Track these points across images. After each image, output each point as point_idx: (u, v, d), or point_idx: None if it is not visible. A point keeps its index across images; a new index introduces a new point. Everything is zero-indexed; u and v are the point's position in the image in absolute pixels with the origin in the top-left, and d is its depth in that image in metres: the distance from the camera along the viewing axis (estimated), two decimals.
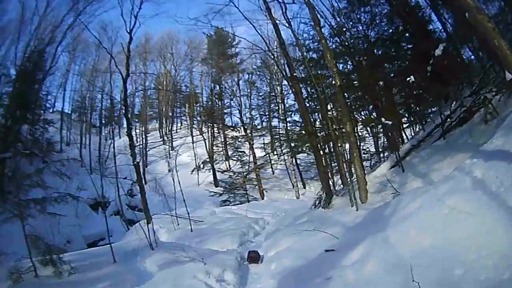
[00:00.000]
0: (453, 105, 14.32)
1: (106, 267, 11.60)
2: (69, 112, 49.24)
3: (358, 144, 18.65)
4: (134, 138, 44.86)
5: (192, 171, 40.51)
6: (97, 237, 27.94)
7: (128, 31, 22.74)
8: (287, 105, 38.16)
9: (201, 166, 40.07)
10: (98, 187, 29.97)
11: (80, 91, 48.83)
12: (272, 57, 24.87)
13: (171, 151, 46.28)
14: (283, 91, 38.51)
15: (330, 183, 17.54)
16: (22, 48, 33.93)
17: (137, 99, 54.80)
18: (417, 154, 14.83)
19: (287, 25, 18.23)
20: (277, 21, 18.82)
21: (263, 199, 32.13)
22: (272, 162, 40.35)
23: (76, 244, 27.03)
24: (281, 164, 40.42)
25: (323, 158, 18.34)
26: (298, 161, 36.95)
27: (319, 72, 20.48)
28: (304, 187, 35.73)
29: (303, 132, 24.93)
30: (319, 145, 18.42)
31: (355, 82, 14.87)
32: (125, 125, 51.98)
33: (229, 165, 39.28)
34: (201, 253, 10.86)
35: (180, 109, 56.46)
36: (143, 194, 21.09)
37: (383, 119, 14.80)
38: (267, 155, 40.41)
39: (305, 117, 18.18)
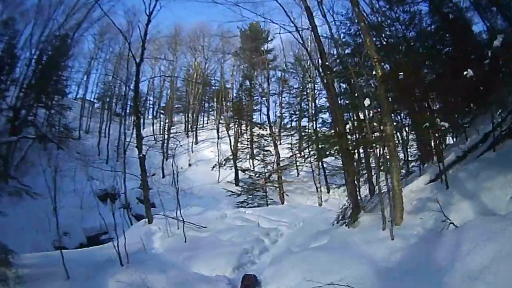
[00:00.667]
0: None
1: (53, 282, 8.98)
2: (92, 100, 47.80)
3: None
4: (159, 131, 43.15)
5: (213, 167, 37.87)
6: (99, 230, 25.79)
7: (147, 13, 20.37)
8: (318, 105, 35.25)
9: (223, 163, 37.21)
10: (109, 178, 29.28)
11: (104, 78, 47.29)
12: (303, 45, 21.43)
13: (194, 146, 43.66)
14: (315, 90, 35.35)
15: (358, 196, 14.28)
16: (43, 32, 32.64)
17: (164, 91, 53.11)
18: (461, 168, 11.52)
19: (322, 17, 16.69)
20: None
21: (282, 203, 28.95)
22: (298, 163, 37.21)
23: (74, 236, 25.61)
24: (306, 166, 37.09)
25: (353, 165, 14.93)
26: (325, 165, 33.88)
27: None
28: (328, 192, 32.67)
29: (333, 132, 21.77)
30: (349, 149, 15.04)
31: (400, 74, 11.38)
32: (150, 116, 50.86)
33: (253, 164, 36.38)
34: (176, 282, 7.79)
35: (208, 104, 53.93)
36: (146, 190, 18.28)
37: (438, 120, 11.31)
38: (293, 156, 37.28)
39: (336, 114, 15.02)
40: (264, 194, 30.49)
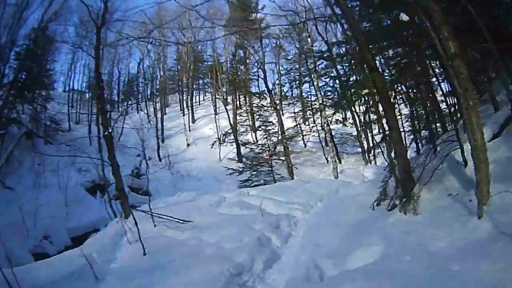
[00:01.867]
0: None
1: None
2: (81, 89, 43.15)
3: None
4: (153, 112, 37.97)
5: (212, 144, 32.78)
6: (87, 228, 20.74)
7: None
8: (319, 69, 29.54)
9: (223, 138, 31.83)
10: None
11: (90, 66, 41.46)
12: None
13: (192, 124, 38.46)
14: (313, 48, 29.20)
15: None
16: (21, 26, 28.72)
17: (158, 73, 47.36)
18: None
19: None
20: None
21: (292, 178, 23.62)
22: (304, 133, 32.10)
23: (57, 239, 20.39)
24: (314, 136, 32.37)
25: (394, 113, 9.32)
26: (333, 133, 28.77)
27: None
28: (340, 162, 27.49)
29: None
30: (386, 89, 9.65)
31: None
32: (147, 100, 45.45)
33: (256, 138, 31.19)
34: None
35: (203, 80, 48.52)
36: (118, 176, 13.00)
37: None
38: (298, 125, 32.17)
39: (361, 44, 9.13)
40: (270, 169, 25.24)
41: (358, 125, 27.00)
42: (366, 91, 15.57)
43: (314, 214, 11.44)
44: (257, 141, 29.30)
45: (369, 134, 27.27)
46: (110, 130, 13.64)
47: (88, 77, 42.59)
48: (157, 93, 44.50)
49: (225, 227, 9.77)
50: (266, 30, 35.46)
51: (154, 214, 11.06)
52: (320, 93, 26.04)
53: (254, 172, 25.62)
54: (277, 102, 30.24)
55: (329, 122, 24.68)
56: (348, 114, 33.65)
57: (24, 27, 29.20)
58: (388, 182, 9.49)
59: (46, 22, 31.31)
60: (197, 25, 40.34)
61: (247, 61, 34.34)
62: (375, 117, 26.23)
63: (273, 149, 26.05)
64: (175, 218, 10.93)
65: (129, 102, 45.59)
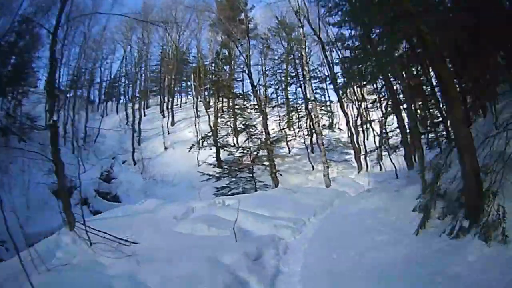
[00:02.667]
0: None
1: None
2: (63, 88, 37.48)
3: None
4: (130, 113, 33.88)
5: (190, 148, 28.46)
6: (47, 235, 16.35)
7: None
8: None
9: (202, 142, 27.92)
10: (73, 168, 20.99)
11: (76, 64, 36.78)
12: None
13: (171, 127, 34.49)
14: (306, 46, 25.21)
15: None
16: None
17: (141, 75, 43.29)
18: None
19: None
20: None
21: (276, 186, 19.77)
22: (289, 138, 28.33)
23: (12, 246, 16.02)
24: (299, 143, 28.44)
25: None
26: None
27: None
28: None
29: None
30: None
31: None
32: (128, 101, 41.20)
33: (237, 142, 27.19)
34: None
35: (186, 83, 44.53)
36: (60, 178, 9.31)
37: None
38: (283, 130, 28.64)
39: None
40: (251, 175, 21.47)
41: (352, 127, 23.55)
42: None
43: (312, 236, 8.11)
44: (238, 145, 25.39)
45: (365, 138, 24.63)
46: (55, 118, 9.96)
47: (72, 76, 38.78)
48: (138, 95, 40.72)
49: (179, 258, 6.16)
50: (254, 30, 32.28)
51: (91, 230, 7.82)
52: (312, 89, 21.75)
53: (233, 179, 21.84)
54: (262, 103, 26.42)
55: (320, 122, 20.77)
56: (336, 119, 30.35)
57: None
58: (434, 192, 5.90)
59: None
60: (183, 24, 37.36)
61: (232, 62, 30.48)
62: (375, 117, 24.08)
63: (255, 153, 22.38)
64: (117, 239, 7.54)
65: (109, 103, 41.87)
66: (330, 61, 25.80)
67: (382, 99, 20.83)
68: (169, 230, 8.48)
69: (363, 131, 24.69)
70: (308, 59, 18.93)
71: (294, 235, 8.25)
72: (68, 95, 36.37)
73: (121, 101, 40.81)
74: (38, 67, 33.49)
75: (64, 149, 27.65)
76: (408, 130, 14.08)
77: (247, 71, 23.48)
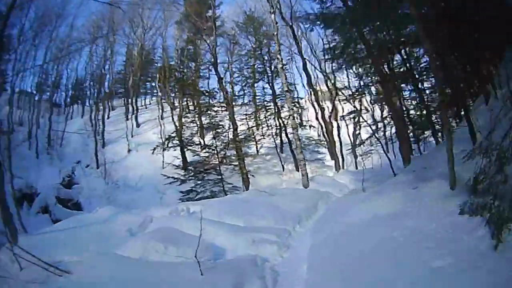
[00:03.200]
0: None
1: None
2: (30, 90, 35.07)
3: None
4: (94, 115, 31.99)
5: (154, 150, 25.97)
6: None
7: None
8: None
9: (166, 143, 25.26)
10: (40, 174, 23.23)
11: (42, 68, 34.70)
12: None
13: (135, 129, 31.77)
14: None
15: None
16: None
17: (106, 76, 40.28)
18: None
19: None
20: None
21: (247, 188, 17.50)
22: (258, 137, 26.35)
23: None
24: (267, 142, 26.62)
25: None
26: (289, 137, 23.28)
27: None
28: (298, 170, 21.09)
29: None
30: None
31: None
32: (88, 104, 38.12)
33: (204, 142, 24.46)
34: None
35: (151, 84, 41.35)
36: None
37: None
38: (250, 129, 26.43)
39: None
40: (220, 177, 18.88)
41: (328, 121, 21.84)
42: None
43: (307, 255, 5.99)
44: (205, 144, 22.76)
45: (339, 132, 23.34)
46: None
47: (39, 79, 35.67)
48: (102, 97, 37.74)
49: None
50: (221, 27, 30.07)
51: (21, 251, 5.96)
52: (286, 78, 19.19)
53: (200, 181, 19.33)
54: (229, 98, 23.94)
55: (294, 115, 18.41)
56: (304, 117, 28.42)
57: None
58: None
59: None
60: (148, 23, 34.83)
61: (197, 59, 27.88)
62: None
63: (222, 152, 19.99)
64: (46, 265, 5.58)
65: (75, 106, 38.76)
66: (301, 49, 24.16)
67: (371, 84, 19.19)
68: (113, 254, 6.14)
69: (338, 125, 23.32)
70: (279, 48, 16.45)
71: (281, 253, 6.08)
72: (34, 98, 33.83)
73: (87, 104, 37.40)
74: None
75: (29, 154, 27.11)
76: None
77: (213, 67, 21.23)
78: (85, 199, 22.12)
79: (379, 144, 17.31)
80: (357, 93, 20.68)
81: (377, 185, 10.51)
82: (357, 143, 22.27)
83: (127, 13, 34.99)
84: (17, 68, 32.01)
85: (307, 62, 24.46)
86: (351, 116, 22.60)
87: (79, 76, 40.78)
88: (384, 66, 14.13)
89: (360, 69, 18.72)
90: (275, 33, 15.89)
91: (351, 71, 21.20)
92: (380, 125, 21.23)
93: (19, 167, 22.97)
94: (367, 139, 20.02)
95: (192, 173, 19.99)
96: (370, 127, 19.89)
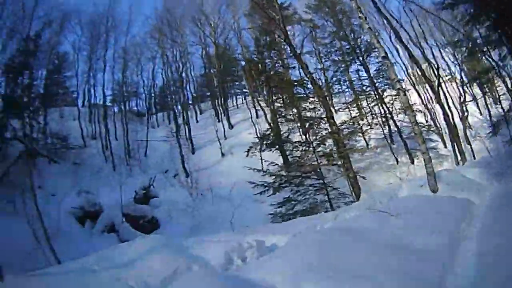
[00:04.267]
0: None
1: None
2: (105, 103, 35.11)
3: None
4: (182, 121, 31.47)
5: (248, 151, 23.44)
6: None
7: None
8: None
9: (261, 143, 22.59)
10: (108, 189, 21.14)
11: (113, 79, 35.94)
12: None
13: (228, 130, 30.17)
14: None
15: None
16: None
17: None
18: None
19: None
20: None
21: (358, 196, 13.57)
22: (364, 128, 22.46)
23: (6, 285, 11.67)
24: (378, 132, 23.14)
25: None
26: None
27: None
28: (413, 163, 19.05)
29: None
30: None
31: None
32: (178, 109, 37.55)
33: (304, 139, 20.75)
34: None
35: (239, 82, 39.41)
36: None
37: None
38: (353, 119, 22.22)
39: None
40: (321, 181, 15.00)
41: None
42: None
43: None
44: (303, 141, 18.17)
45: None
46: None
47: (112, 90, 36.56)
48: (183, 102, 36.94)
49: None
50: (294, 15, 28.19)
51: None
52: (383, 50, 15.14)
53: (297, 188, 15.55)
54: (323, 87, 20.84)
55: (409, 100, 14.49)
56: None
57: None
58: None
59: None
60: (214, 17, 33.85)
61: (276, 49, 25.01)
62: None
63: (319, 150, 16.33)
64: None
65: (160, 114, 38.94)
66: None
67: None
68: None
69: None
70: (365, 17, 12.35)
71: None
72: (113, 110, 34.10)
73: (171, 111, 36.72)
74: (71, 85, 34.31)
75: (107, 165, 26.72)
76: None
77: (293, 54, 18.25)
78: (163, 214, 20.21)
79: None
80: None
81: None
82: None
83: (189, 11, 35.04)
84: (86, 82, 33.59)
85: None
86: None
87: (158, 83, 41.14)
88: None
89: None
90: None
91: None
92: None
93: (90, 181, 23.01)
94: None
95: (286, 179, 16.39)
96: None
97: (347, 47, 24.30)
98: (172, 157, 27.08)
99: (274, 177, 17.00)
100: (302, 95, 20.97)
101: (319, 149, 16.29)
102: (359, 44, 23.54)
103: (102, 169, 25.62)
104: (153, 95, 40.19)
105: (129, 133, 29.00)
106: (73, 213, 18.69)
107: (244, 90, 37.65)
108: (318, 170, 15.34)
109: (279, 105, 22.59)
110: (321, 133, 16.76)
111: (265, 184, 16.47)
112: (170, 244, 7.70)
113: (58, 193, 20.68)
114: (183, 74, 35.65)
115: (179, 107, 34.98)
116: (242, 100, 38.20)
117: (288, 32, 20.30)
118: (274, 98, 22.90)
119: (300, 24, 27.54)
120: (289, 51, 21.56)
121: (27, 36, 25.92)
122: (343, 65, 24.54)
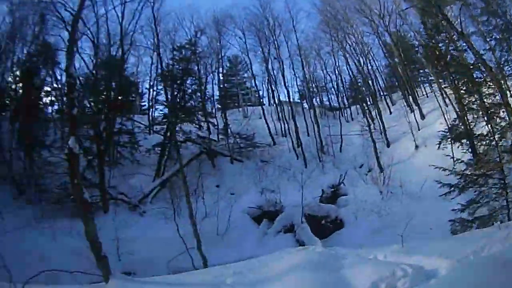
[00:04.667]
0: None
1: None
2: (288, 99, 37.07)
3: None
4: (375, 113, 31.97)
5: (439, 144, 21.82)
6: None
7: None
8: None
9: (448, 134, 21.27)
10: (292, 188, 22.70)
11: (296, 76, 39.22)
12: None
13: (420, 121, 28.80)
14: None
15: None
16: None
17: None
18: None
19: None
20: None
21: None
22: None
23: None
24: None
25: None
26: None
27: None
28: None
29: None
30: None
31: None
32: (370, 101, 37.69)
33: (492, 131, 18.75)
34: None
35: (424, 70, 36.61)
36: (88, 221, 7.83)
37: None
38: None
39: None
40: (503, 181, 13.15)
41: None
42: None
43: None
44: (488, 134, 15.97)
45: None
46: (71, 145, 8.01)
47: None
48: (380, 93, 36.89)
49: None
50: None
51: None
52: None
53: (481, 189, 13.86)
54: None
55: None
56: None
57: None
58: None
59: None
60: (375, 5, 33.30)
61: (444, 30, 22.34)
62: None
63: (500, 139, 14.61)
64: None
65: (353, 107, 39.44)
66: None
67: None
68: None
69: None
70: None
71: None
72: (301, 105, 37.37)
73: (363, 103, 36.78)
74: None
75: (298, 162, 27.92)
76: None
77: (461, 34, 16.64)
78: (348, 214, 19.93)
79: None
80: None
81: None
82: None
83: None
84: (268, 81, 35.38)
85: None
86: None
87: (345, 77, 41.60)
88: None
89: None
90: None
91: None
92: None
93: (277, 179, 24.52)
94: None
95: (470, 179, 14.48)
96: None
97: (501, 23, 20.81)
98: (366, 152, 27.34)
99: (459, 176, 15.89)
100: (479, 79, 19.10)
101: (500, 143, 14.69)
102: None
103: (292, 166, 27.10)
104: (342, 88, 41.39)
105: (321, 128, 30.12)
106: (249, 212, 20.05)
107: (430, 78, 35.30)
108: (500, 168, 13.52)
109: (463, 92, 21.01)
110: (500, 124, 15.14)
111: (451, 184, 15.06)
112: (321, 261, 7.16)
113: (237, 192, 22.76)
114: (368, 66, 36.58)
115: (370, 99, 35.20)
116: (430, 87, 36.01)
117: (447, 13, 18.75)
118: (457, 84, 21.46)
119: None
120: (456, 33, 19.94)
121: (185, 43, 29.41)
122: (505, 44, 20.93)
